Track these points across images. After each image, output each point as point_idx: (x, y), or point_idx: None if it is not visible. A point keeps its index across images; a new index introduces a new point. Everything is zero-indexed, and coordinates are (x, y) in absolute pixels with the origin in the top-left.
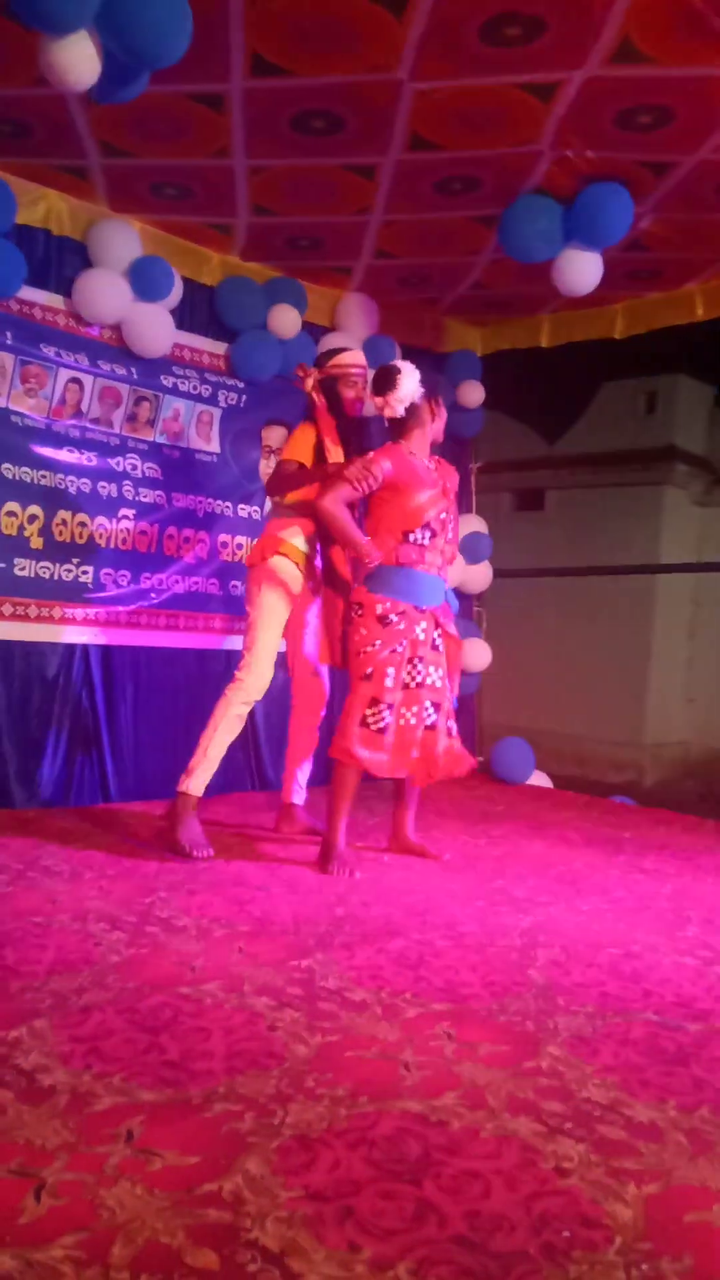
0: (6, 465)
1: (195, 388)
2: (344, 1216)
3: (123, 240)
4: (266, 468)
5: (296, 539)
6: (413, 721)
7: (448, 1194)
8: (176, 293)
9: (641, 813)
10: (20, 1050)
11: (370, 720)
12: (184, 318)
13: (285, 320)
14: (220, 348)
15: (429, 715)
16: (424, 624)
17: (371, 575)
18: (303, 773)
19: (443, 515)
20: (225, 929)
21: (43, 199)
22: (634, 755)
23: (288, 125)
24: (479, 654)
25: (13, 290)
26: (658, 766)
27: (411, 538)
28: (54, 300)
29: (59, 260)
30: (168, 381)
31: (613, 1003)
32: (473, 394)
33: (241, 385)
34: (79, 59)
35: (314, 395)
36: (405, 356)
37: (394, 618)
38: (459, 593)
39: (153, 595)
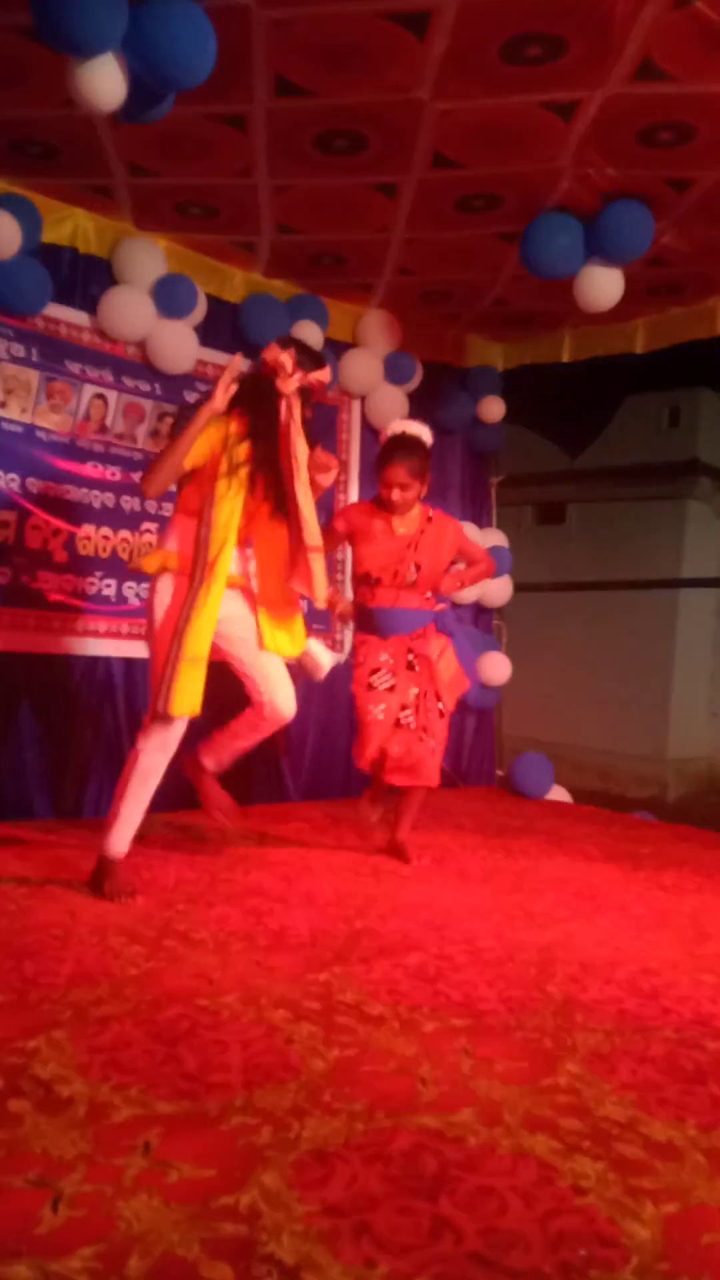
0: (31, 480)
1: None
2: (360, 1232)
3: (148, 258)
4: None
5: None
6: (379, 718)
7: (464, 1210)
8: (200, 310)
9: (662, 828)
10: (39, 1060)
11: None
12: (207, 334)
13: (308, 337)
14: (243, 365)
15: (405, 718)
16: (388, 650)
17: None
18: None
19: (394, 566)
20: (243, 942)
21: (70, 218)
22: (657, 770)
23: (311, 145)
24: (499, 668)
25: (39, 308)
26: (681, 781)
27: (362, 580)
28: (79, 318)
29: (85, 278)
30: (191, 397)
31: (631, 1020)
32: (494, 409)
33: None
34: (106, 82)
35: (290, 400)
36: (426, 372)
37: (356, 644)
38: (480, 606)
39: None
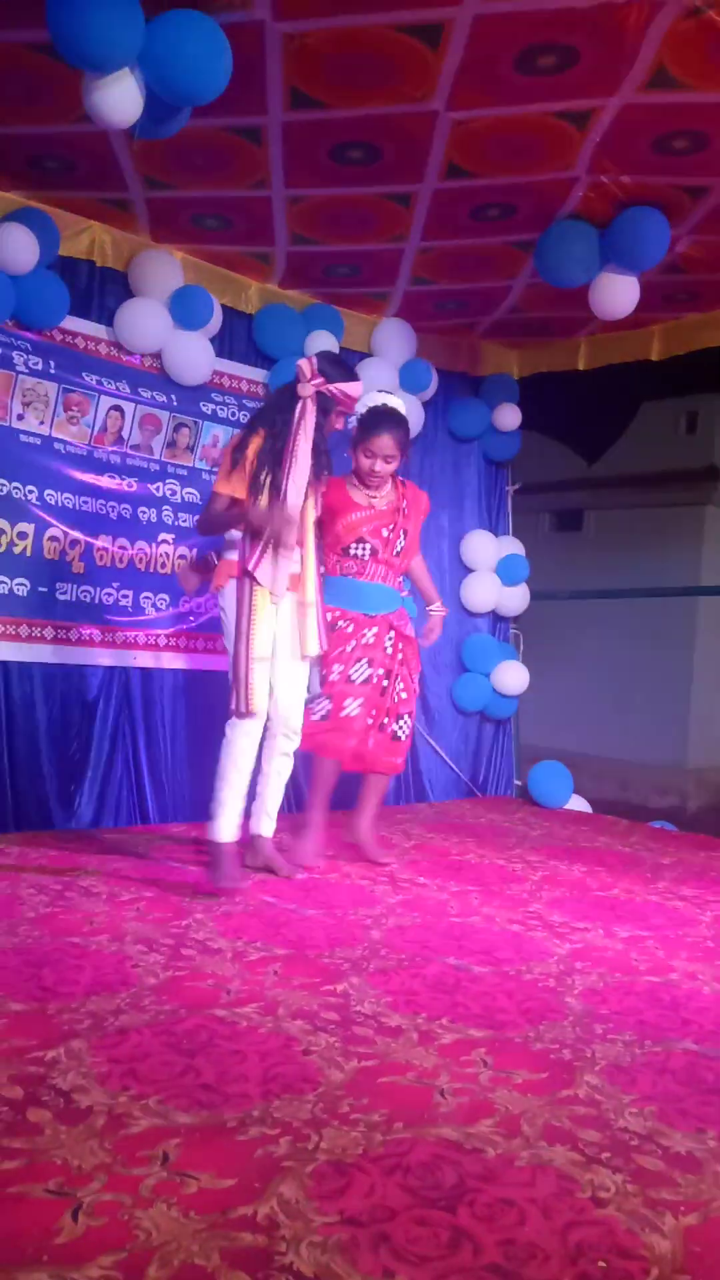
0: (49, 491)
1: (234, 414)
2: (379, 1242)
3: (164, 270)
4: None
5: None
6: (354, 713)
7: (483, 1222)
8: (216, 321)
9: (682, 838)
10: (58, 1070)
11: (315, 714)
12: (223, 345)
13: (322, 347)
14: (259, 375)
15: (400, 727)
16: (374, 629)
17: (324, 587)
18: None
19: (386, 532)
20: (261, 952)
21: (87, 231)
22: (677, 780)
23: (326, 156)
24: (516, 676)
25: (57, 320)
26: (702, 791)
27: (351, 550)
28: (96, 330)
29: (101, 290)
30: (207, 408)
31: (651, 1031)
32: (510, 417)
33: None
34: (122, 97)
35: (307, 403)
36: (442, 380)
37: (342, 623)
38: (496, 615)
39: (191, 618)
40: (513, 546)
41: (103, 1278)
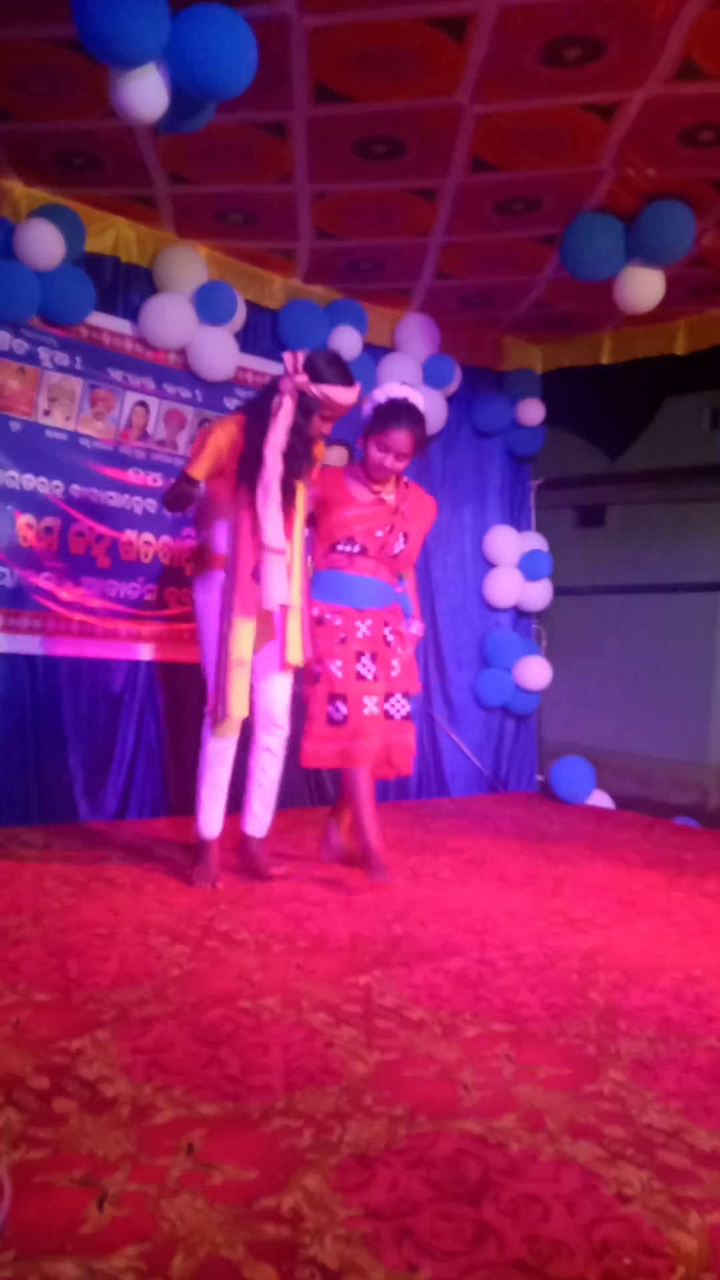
0: (75, 486)
1: None
2: (403, 1236)
3: (189, 266)
4: None
5: None
6: (374, 711)
7: (507, 1217)
8: (240, 316)
9: (704, 834)
10: (83, 1060)
11: (333, 716)
12: (247, 341)
13: (346, 342)
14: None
15: (396, 708)
16: (367, 622)
17: (311, 580)
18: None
19: (380, 534)
20: (284, 944)
21: (112, 227)
22: (699, 776)
23: (350, 150)
24: (539, 672)
25: (82, 317)
26: None
27: (339, 547)
28: (121, 326)
29: (127, 286)
30: (231, 404)
31: (675, 1027)
32: (532, 412)
33: None
34: (148, 92)
35: (285, 400)
36: (465, 375)
37: (329, 616)
38: (519, 610)
39: None
40: (535, 542)
41: (128, 1268)
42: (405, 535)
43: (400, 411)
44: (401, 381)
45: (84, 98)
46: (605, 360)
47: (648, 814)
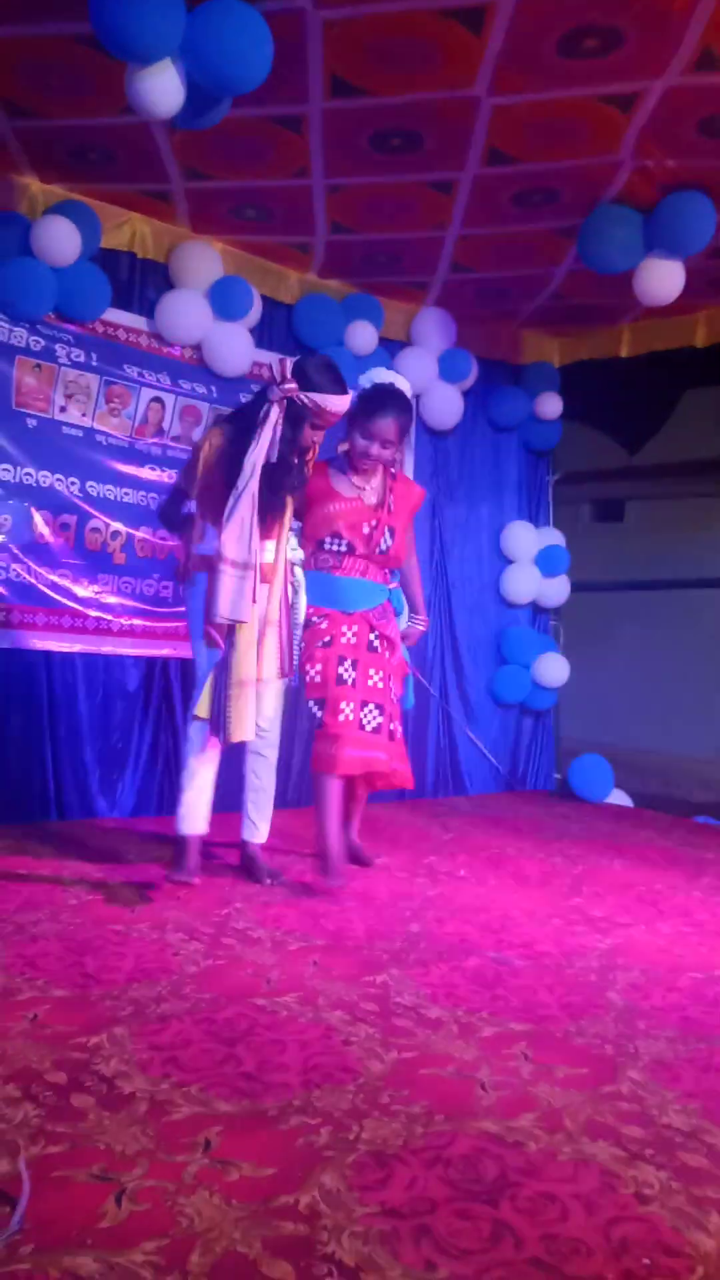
0: (91, 483)
1: None
2: (420, 1235)
3: (204, 261)
4: None
5: None
6: (350, 718)
7: (525, 1216)
8: (255, 312)
9: None
10: (101, 1056)
11: (324, 723)
12: (263, 336)
13: (362, 337)
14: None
15: (372, 718)
16: (354, 628)
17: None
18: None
19: (366, 529)
20: (300, 942)
21: (127, 223)
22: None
23: (366, 144)
24: (556, 669)
25: (98, 313)
26: None
27: (325, 545)
28: (137, 321)
29: (142, 282)
30: (245, 398)
31: (694, 1027)
32: (550, 406)
33: None
34: (163, 87)
35: (272, 409)
36: (482, 369)
37: (315, 619)
38: (536, 606)
39: None
40: (553, 537)
41: (146, 1263)
42: (391, 530)
43: (386, 398)
44: (387, 370)
45: (100, 94)
46: (624, 353)
47: (668, 812)
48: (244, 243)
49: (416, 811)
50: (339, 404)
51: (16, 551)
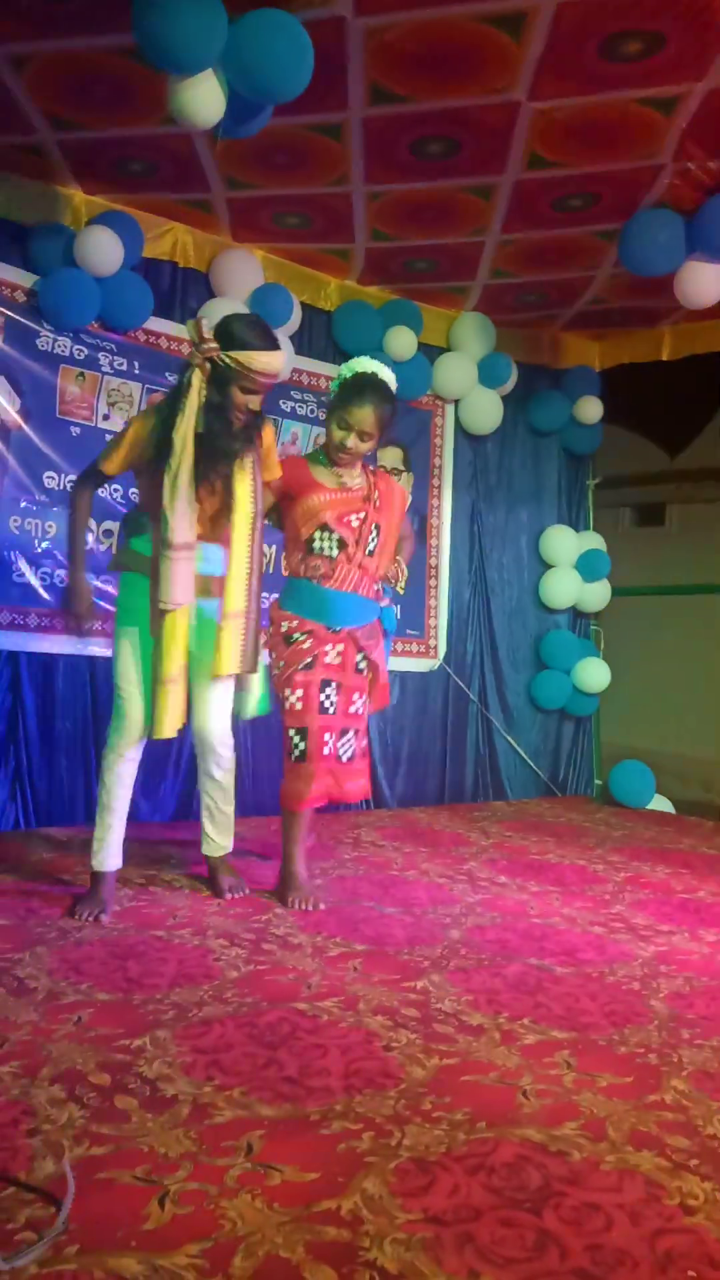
0: (133, 490)
1: (313, 411)
2: (463, 1242)
3: (245, 269)
4: None
5: None
6: (330, 751)
7: (569, 1225)
8: (295, 318)
9: None
10: (144, 1059)
11: (292, 753)
12: (302, 343)
13: (401, 343)
14: (338, 372)
15: (348, 747)
16: (339, 647)
17: (283, 589)
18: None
19: (354, 522)
20: (341, 948)
21: (169, 232)
22: None
23: (406, 151)
24: (597, 674)
25: (141, 321)
26: None
27: (314, 546)
28: (179, 330)
29: (184, 291)
30: (286, 406)
31: None
32: (591, 410)
33: None
34: (205, 97)
35: (195, 374)
36: (522, 374)
37: (299, 636)
38: (577, 611)
39: None
40: (593, 542)
41: (189, 1265)
42: (378, 527)
43: (364, 386)
44: (370, 357)
45: (142, 105)
46: (665, 356)
47: (711, 819)
48: (284, 250)
49: (455, 816)
50: (267, 361)
51: (61, 558)
